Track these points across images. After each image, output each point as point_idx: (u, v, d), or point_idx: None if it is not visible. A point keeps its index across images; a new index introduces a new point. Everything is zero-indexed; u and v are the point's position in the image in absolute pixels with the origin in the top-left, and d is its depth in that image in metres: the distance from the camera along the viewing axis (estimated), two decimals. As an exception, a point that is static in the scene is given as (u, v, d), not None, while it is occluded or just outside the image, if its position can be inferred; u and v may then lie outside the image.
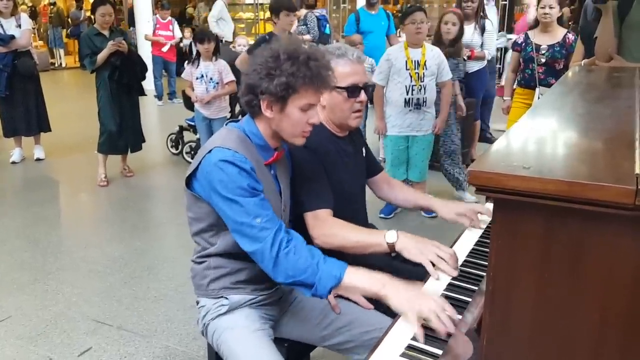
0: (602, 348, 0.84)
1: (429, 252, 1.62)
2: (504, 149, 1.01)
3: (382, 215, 4.22)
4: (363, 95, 1.88)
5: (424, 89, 3.85)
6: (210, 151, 1.56)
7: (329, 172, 1.85)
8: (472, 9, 4.94)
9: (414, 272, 1.68)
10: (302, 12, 6.52)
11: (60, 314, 2.97)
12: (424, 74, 3.83)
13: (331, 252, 1.75)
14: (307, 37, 6.70)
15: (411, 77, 3.82)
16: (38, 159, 6.04)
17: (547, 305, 0.86)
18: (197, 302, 1.76)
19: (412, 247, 1.65)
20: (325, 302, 1.72)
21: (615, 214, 0.77)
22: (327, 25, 7.49)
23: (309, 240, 1.81)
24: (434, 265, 1.61)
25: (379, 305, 1.76)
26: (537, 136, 1.13)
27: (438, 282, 1.56)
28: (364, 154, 2.12)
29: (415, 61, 3.82)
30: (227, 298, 1.68)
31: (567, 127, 1.22)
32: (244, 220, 1.50)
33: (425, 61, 3.83)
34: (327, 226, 1.76)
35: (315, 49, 1.60)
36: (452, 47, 4.38)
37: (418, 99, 3.86)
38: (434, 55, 3.89)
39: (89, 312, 2.98)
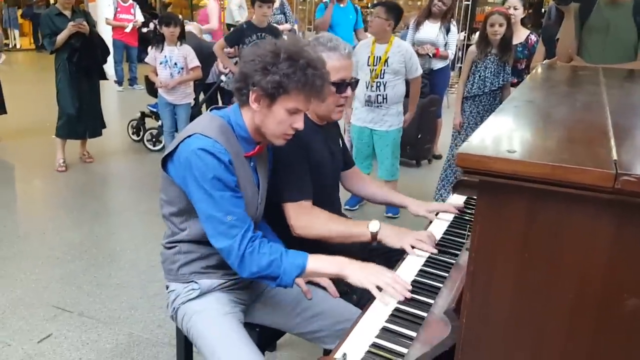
0: (578, 327, 0.88)
1: (408, 237, 1.76)
2: (489, 135, 1.04)
3: (347, 207, 4.25)
4: (349, 91, 1.87)
5: (383, 85, 3.82)
6: (190, 136, 1.54)
7: (312, 161, 1.86)
8: (438, 9, 5.00)
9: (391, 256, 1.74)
10: (277, 1, 6.42)
11: (18, 300, 2.89)
12: (382, 70, 3.80)
13: (310, 242, 1.77)
14: (287, 26, 6.57)
15: (371, 73, 3.83)
16: (-8, 143, 5.84)
17: (527, 284, 0.90)
18: (167, 287, 1.75)
19: (393, 235, 1.77)
20: (298, 290, 1.74)
21: (595, 197, 0.81)
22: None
23: (281, 228, 1.82)
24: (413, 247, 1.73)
25: (349, 297, 1.79)
26: (517, 124, 1.17)
27: (410, 269, 1.60)
28: (340, 145, 2.13)
29: (377, 57, 3.81)
30: (197, 282, 1.67)
31: (543, 118, 1.26)
32: (216, 214, 1.51)
33: (387, 58, 3.79)
34: (310, 217, 1.81)
35: (318, 57, 1.58)
36: (504, 51, 3.84)
37: (378, 95, 3.85)
38: (399, 51, 3.82)
39: (48, 299, 2.91)
